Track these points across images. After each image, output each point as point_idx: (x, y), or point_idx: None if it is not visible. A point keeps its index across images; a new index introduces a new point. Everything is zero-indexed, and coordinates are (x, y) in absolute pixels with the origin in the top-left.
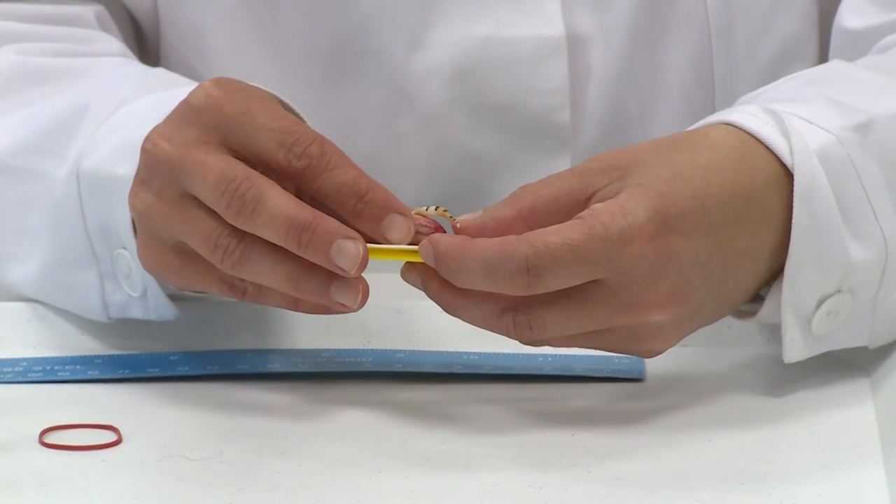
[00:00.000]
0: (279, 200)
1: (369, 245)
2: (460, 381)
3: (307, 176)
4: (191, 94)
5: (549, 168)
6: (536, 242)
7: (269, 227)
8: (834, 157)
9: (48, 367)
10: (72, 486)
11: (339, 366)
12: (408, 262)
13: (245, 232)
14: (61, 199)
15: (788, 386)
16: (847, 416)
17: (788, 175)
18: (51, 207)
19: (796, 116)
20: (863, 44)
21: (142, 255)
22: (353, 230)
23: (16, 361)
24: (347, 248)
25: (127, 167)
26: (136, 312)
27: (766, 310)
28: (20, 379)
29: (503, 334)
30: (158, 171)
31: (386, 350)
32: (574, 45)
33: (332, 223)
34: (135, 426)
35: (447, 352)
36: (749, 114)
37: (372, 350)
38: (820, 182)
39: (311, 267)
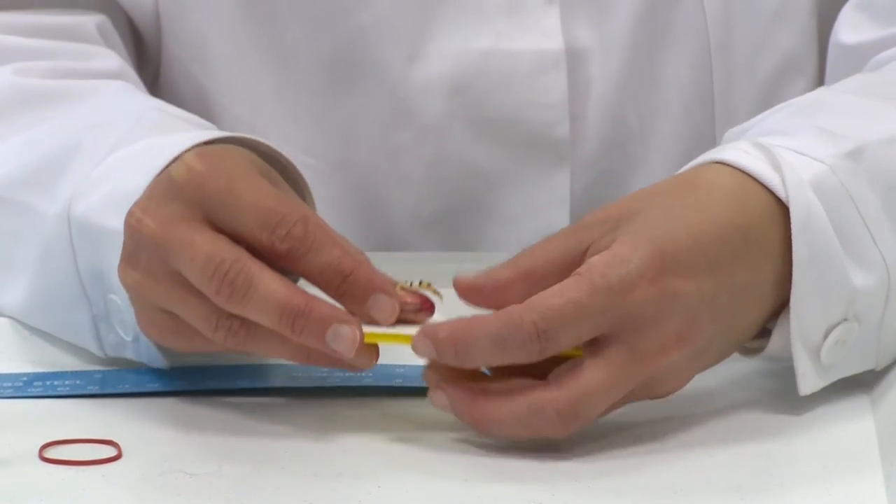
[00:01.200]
0: (270, 285)
1: (369, 330)
2: None
3: (291, 257)
4: (173, 168)
5: (548, 182)
6: (541, 307)
7: (261, 314)
8: (828, 187)
9: (48, 382)
10: (72, 502)
11: (339, 380)
12: (432, 390)
13: None
14: (51, 239)
15: (788, 400)
16: (847, 430)
17: (784, 209)
18: (39, 244)
19: (787, 149)
20: (859, 59)
21: (141, 325)
22: (347, 314)
23: (16, 376)
24: (344, 334)
25: (116, 221)
26: (129, 354)
27: (773, 343)
28: (20, 394)
29: (550, 433)
30: (145, 248)
31: (386, 365)
32: (573, 58)
33: (326, 307)
34: (135, 441)
35: None
36: (740, 150)
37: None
38: (816, 213)
39: None
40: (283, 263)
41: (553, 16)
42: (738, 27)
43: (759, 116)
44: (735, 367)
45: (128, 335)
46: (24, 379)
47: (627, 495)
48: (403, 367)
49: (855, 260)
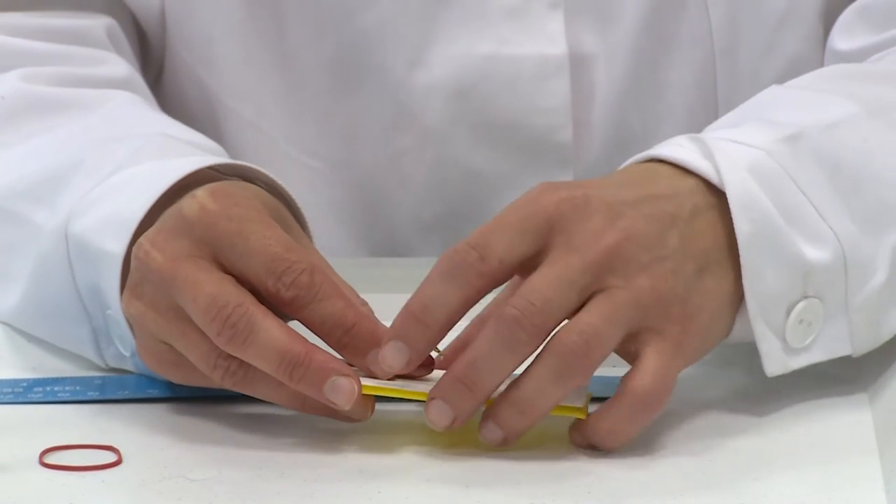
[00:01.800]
0: (271, 332)
1: (368, 383)
2: None
3: (294, 305)
4: (185, 203)
5: None
6: (519, 295)
7: (261, 360)
8: (765, 170)
9: (48, 388)
10: None
11: None
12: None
13: None
14: (48, 253)
15: (786, 403)
16: (845, 432)
17: (711, 188)
18: (35, 257)
19: (724, 139)
20: None
21: (141, 355)
22: (346, 365)
23: (16, 382)
24: (342, 386)
25: (114, 244)
26: (129, 366)
27: (737, 326)
28: (20, 400)
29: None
30: (150, 281)
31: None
32: (577, 63)
33: (326, 358)
34: (135, 447)
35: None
36: (674, 145)
37: None
38: (753, 191)
39: None
40: (287, 311)
41: (557, 21)
42: (742, 33)
43: (723, 117)
44: (732, 366)
45: (126, 350)
46: (25, 384)
47: (627, 498)
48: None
49: (803, 234)
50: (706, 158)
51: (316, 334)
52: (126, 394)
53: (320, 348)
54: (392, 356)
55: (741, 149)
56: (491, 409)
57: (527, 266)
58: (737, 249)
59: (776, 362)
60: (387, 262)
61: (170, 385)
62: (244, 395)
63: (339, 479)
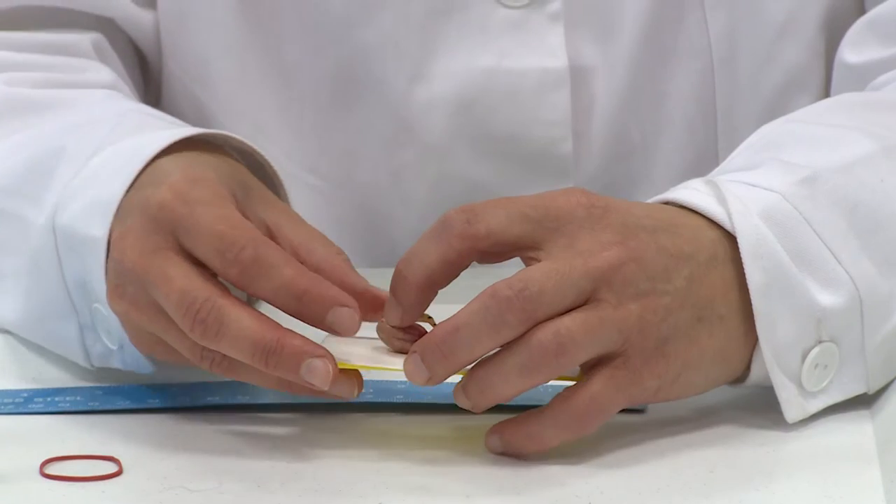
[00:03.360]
0: (241, 322)
1: (345, 361)
2: (461, 412)
3: (242, 282)
4: (150, 193)
5: None
6: (517, 279)
7: (235, 350)
8: (779, 214)
9: (49, 398)
10: None
11: None
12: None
13: None
14: (38, 250)
15: None
16: (847, 446)
17: (733, 241)
18: (28, 254)
19: (740, 182)
20: (862, 79)
21: (135, 344)
22: (319, 346)
23: (16, 392)
24: (316, 367)
25: (99, 229)
26: (116, 363)
27: (754, 372)
28: (21, 410)
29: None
30: (129, 280)
31: (387, 381)
32: (577, 76)
33: (298, 341)
34: (135, 457)
35: (448, 383)
36: (689, 189)
37: (373, 381)
38: (765, 239)
39: None
40: (239, 288)
41: (557, 34)
42: (742, 43)
43: (734, 153)
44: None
45: (113, 343)
46: (25, 395)
47: None
48: (405, 383)
49: (818, 280)
50: (720, 204)
51: (275, 307)
52: (126, 404)
53: (293, 332)
54: (387, 311)
55: (756, 192)
56: (464, 378)
57: (523, 257)
58: (749, 303)
59: (795, 408)
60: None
61: (171, 395)
62: (245, 405)
63: (340, 490)
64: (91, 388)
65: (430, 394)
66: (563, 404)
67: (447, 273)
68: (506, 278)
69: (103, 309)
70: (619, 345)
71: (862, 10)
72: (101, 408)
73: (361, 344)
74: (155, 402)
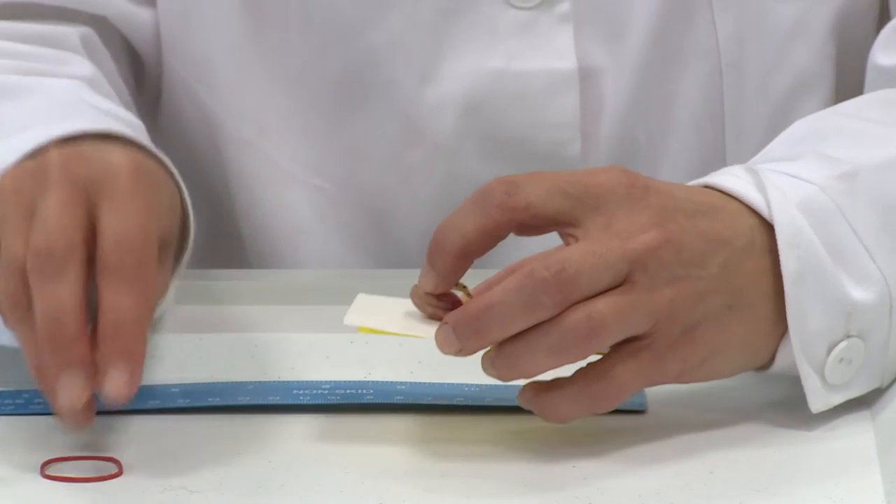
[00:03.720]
0: None
1: (372, 325)
2: (461, 412)
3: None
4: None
5: None
6: (554, 259)
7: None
8: (817, 206)
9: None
10: None
11: (340, 398)
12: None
13: None
14: None
15: (788, 417)
16: (847, 446)
17: (771, 229)
18: None
19: (780, 172)
20: (894, 80)
21: None
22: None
23: (16, 394)
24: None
25: None
26: (5, 340)
27: (778, 361)
28: (21, 411)
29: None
30: None
31: (387, 382)
32: (586, 77)
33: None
34: (136, 458)
35: (448, 384)
36: (729, 175)
37: (373, 382)
38: (802, 229)
39: None
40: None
41: (566, 35)
42: (750, 46)
43: (773, 142)
44: (734, 380)
45: None
46: (25, 396)
47: None
48: (405, 384)
49: (850, 274)
50: (760, 192)
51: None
52: (126, 405)
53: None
54: (422, 277)
55: (795, 183)
56: (493, 350)
57: (561, 232)
58: (781, 292)
59: (820, 399)
60: (396, 274)
61: (171, 396)
62: (246, 406)
63: (340, 491)
64: None
65: (429, 395)
66: (583, 381)
67: (484, 243)
68: (542, 256)
69: None
70: (648, 328)
71: (876, 15)
72: (101, 409)
73: (393, 305)
74: (155, 403)
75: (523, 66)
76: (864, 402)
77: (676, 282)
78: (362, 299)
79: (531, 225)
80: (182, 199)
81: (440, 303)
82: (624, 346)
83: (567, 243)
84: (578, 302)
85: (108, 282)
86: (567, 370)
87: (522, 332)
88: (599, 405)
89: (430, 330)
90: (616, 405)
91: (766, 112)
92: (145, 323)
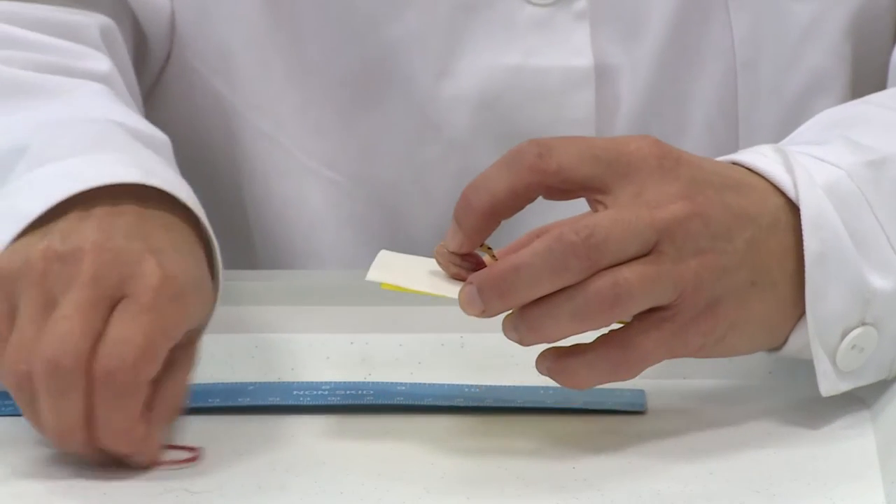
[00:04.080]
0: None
1: (398, 282)
2: (461, 413)
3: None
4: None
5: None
6: (584, 224)
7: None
8: (843, 191)
9: None
10: None
11: (341, 398)
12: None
13: None
14: None
15: (788, 418)
16: (847, 447)
17: (796, 210)
18: None
19: (808, 155)
20: None
21: None
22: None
23: None
24: None
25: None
26: None
27: (791, 343)
28: (20, 412)
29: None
30: None
31: (387, 383)
32: (602, 75)
33: None
34: None
35: (448, 384)
36: (758, 153)
37: (373, 383)
38: (827, 212)
39: None
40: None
41: (583, 32)
42: (765, 46)
43: (802, 127)
44: (737, 386)
45: None
46: None
47: None
48: (405, 385)
49: (871, 262)
50: (788, 172)
51: None
52: None
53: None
54: (448, 236)
55: (822, 166)
56: (515, 312)
57: (589, 199)
58: (802, 273)
59: (829, 383)
60: None
61: None
62: (246, 407)
63: (341, 492)
64: None
65: (430, 395)
66: (604, 348)
67: (512, 204)
68: (571, 221)
69: None
70: (672, 299)
71: (892, 17)
72: None
73: (416, 263)
74: None
75: (540, 63)
76: (863, 403)
77: (702, 254)
78: (385, 255)
79: (561, 189)
80: (211, 246)
81: (465, 262)
82: (647, 316)
83: (594, 210)
84: (605, 269)
85: (99, 392)
86: (587, 338)
87: (547, 296)
88: (619, 373)
89: (453, 289)
90: (635, 375)
91: (780, 112)
92: (139, 435)
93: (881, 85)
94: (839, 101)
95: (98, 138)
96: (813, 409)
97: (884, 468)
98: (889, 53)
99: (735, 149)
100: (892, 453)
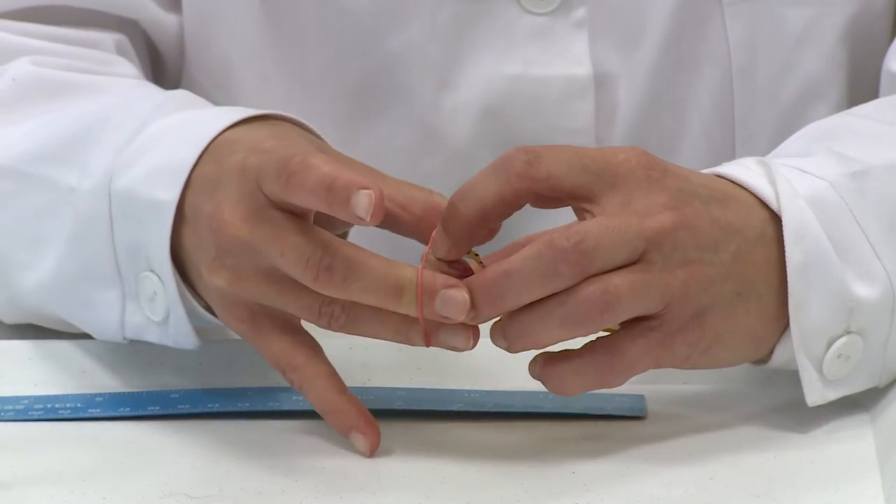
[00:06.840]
0: (369, 262)
1: None
2: (461, 418)
3: (290, 193)
4: (235, 160)
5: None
6: (574, 231)
7: (367, 293)
8: (826, 201)
9: (49, 406)
10: None
11: None
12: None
13: None
14: (88, 214)
15: (787, 422)
16: (847, 451)
17: (780, 222)
18: (73, 219)
19: (791, 167)
20: None
21: (226, 319)
22: (455, 277)
23: (16, 399)
24: (453, 297)
25: (168, 193)
26: (152, 336)
27: (776, 356)
28: (21, 417)
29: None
30: (230, 251)
31: (387, 388)
32: (601, 83)
33: (431, 277)
34: (136, 464)
35: (448, 389)
36: (741, 166)
37: (373, 388)
38: (809, 222)
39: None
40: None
41: (582, 41)
42: (760, 52)
43: (789, 139)
44: (736, 391)
45: (156, 315)
46: (25, 402)
47: None
48: (404, 390)
49: (855, 271)
50: (770, 184)
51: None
52: (126, 411)
53: (423, 269)
54: (435, 243)
55: (806, 178)
56: (504, 318)
57: (576, 207)
58: (787, 285)
59: (816, 392)
60: None
61: (171, 402)
62: (244, 412)
63: (341, 497)
64: (91, 395)
65: (429, 400)
66: (591, 354)
67: (501, 211)
68: (561, 228)
69: (154, 277)
70: (659, 308)
71: (890, 23)
72: (101, 415)
73: None
74: (155, 410)
75: (540, 73)
76: (863, 407)
77: (689, 264)
78: None
79: (549, 197)
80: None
81: (452, 269)
82: (634, 324)
83: (581, 219)
84: (594, 276)
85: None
86: (576, 344)
87: (536, 302)
88: (606, 380)
89: None
90: (622, 382)
91: (776, 117)
92: None
93: (876, 90)
94: (835, 106)
95: (181, 102)
96: (812, 413)
97: (883, 471)
98: (883, 60)
99: (732, 154)
100: (892, 456)
